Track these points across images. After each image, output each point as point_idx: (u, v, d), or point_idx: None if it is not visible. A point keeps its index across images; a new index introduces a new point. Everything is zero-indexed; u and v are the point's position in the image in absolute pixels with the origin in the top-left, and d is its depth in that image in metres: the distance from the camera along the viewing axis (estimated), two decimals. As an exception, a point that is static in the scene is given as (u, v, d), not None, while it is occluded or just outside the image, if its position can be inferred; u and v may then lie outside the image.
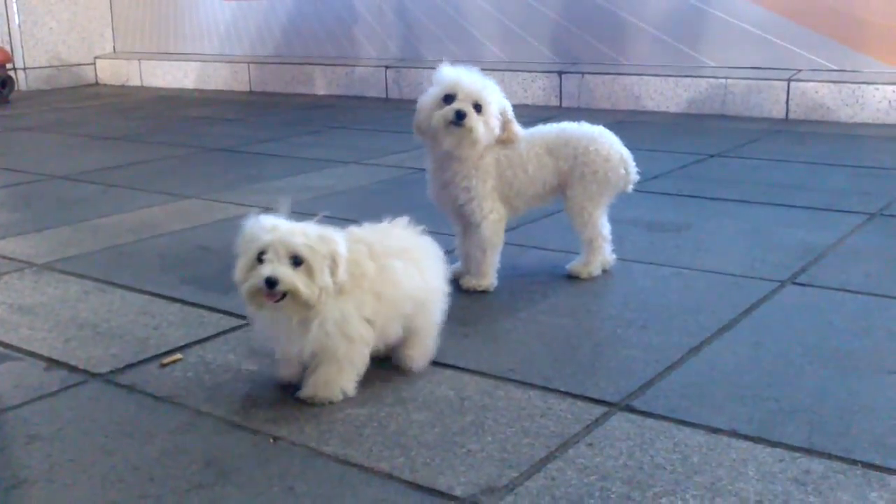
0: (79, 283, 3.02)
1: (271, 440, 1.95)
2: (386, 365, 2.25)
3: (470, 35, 7.28)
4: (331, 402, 2.09)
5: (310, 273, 1.96)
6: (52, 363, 2.38)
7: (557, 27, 6.89)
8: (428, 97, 2.70)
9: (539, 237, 3.35)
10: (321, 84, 7.95)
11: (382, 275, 2.09)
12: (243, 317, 2.66)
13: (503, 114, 2.73)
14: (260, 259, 1.97)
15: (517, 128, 2.78)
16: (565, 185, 2.81)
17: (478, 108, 2.64)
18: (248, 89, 8.43)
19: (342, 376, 2.10)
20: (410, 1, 7.59)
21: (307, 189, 4.30)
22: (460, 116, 2.62)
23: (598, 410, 2.03)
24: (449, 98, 2.65)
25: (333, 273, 1.99)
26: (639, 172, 2.88)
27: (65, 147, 5.81)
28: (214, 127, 6.46)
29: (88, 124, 6.78)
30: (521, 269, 3.00)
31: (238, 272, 2.01)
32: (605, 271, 2.92)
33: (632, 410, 2.03)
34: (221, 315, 2.68)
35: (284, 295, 1.97)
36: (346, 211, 3.55)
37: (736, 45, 6.14)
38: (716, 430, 1.92)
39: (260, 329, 2.15)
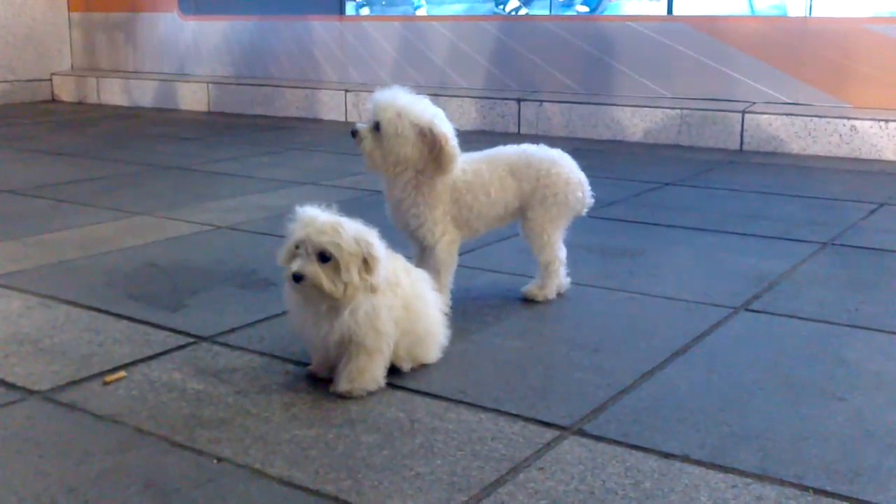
0: (22, 298, 2.93)
1: (215, 461, 1.89)
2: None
3: (430, 61, 7.30)
4: (368, 393, 2.17)
5: (336, 269, 2.08)
6: (-11, 380, 2.30)
7: (517, 55, 6.94)
8: None
9: (493, 260, 3.33)
10: (280, 105, 7.91)
11: (414, 290, 2.28)
12: (190, 335, 2.60)
13: (427, 133, 2.55)
14: (297, 250, 2.12)
15: (451, 148, 2.56)
16: (526, 207, 2.79)
17: (377, 126, 2.58)
18: (206, 109, 8.35)
19: (374, 365, 2.18)
20: (371, 25, 7.60)
21: (261, 208, 4.25)
22: (353, 135, 2.61)
23: (550, 434, 2.00)
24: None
25: (368, 272, 2.11)
26: (593, 197, 2.88)
27: (16, 162, 5.68)
28: (170, 145, 6.37)
29: (42, 140, 6.65)
30: (474, 291, 2.98)
31: (280, 258, 2.16)
32: (559, 295, 2.91)
33: (584, 434, 2.00)
34: (168, 333, 2.62)
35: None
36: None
37: (692, 77, 6.23)
38: (668, 455, 1.90)
39: (292, 313, 2.25)
